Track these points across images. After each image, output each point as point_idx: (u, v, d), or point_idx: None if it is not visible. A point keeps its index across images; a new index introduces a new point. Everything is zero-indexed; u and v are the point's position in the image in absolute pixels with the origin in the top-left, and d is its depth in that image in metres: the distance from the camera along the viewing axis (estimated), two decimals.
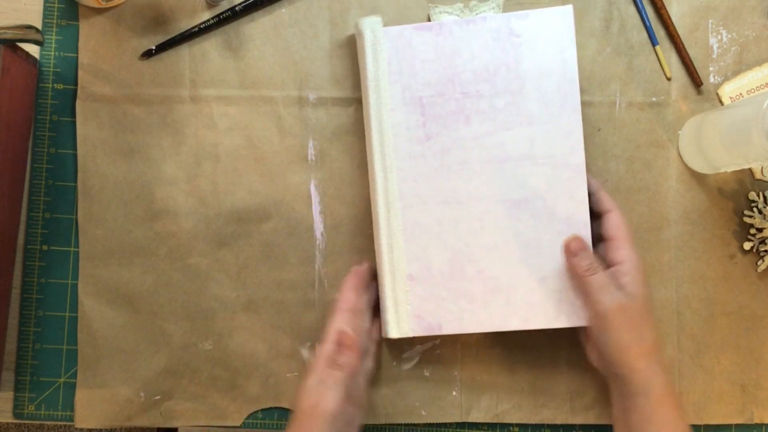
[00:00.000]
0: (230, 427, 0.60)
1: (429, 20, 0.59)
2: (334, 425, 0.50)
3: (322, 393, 0.51)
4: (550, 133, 0.55)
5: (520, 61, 0.55)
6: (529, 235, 0.55)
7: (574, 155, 0.55)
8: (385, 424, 0.60)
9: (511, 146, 0.55)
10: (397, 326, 0.55)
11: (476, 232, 0.55)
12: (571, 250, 0.54)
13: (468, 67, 0.55)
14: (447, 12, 0.58)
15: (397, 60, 0.56)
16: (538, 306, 0.55)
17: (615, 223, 0.54)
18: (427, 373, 0.60)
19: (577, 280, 0.54)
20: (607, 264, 0.53)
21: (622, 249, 0.53)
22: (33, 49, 0.59)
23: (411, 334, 0.55)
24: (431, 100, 0.55)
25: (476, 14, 0.58)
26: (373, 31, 0.56)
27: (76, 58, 0.60)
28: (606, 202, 0.55)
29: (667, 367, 0.54)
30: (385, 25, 0.56)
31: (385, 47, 0.56)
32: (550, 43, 0.55)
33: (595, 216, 0.55)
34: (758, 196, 0.61)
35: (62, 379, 0.60)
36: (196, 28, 0.60)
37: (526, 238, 0.55)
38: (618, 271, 0.52)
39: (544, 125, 0.55)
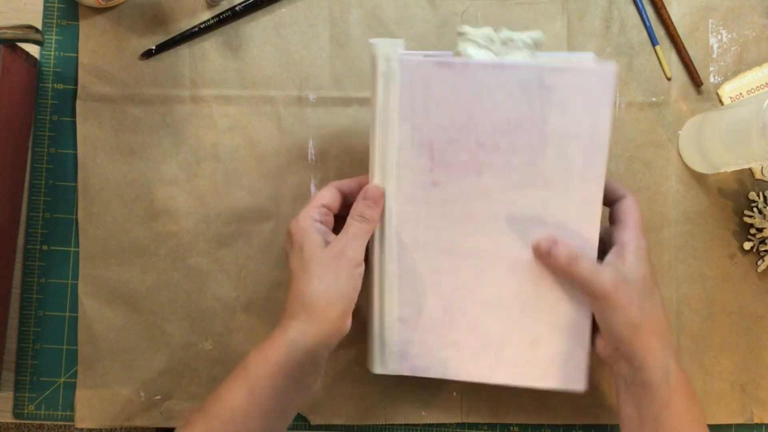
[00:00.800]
0: None
1: (455, 50, 0.51)
2: (358, 273, 0.49)
3: (348, 241, 0.50)
4: (565, 199, 0.50)
5: (546, 119, 0.49)
6: (529, 296, 0.52)
7: (588, 227, 0.50)
8: (385, 424, 0.60)
9: (522, 206, 0.50)
10: (381, 364, 0.54)
11: (474, 287, 0.52)
12: (543, 249, 0.50)
13: (488, 116, 0.49)
14: (475, 42, 0.50)
15: (410, 96, 0.50)
16: (528, 365, 0.52)
17: (628, 207, 0.51)
18: None
19: (565, 275, 0.50)
20: (611, 246, 0.51)
21: (629, 231, 0.50)
22: (33, 49, 0.59)
23: (394, 373, 0.54)
24: (443, 146, 0.50)
25: (506, 45, 0.50)
26: (387, 58, 0.49)
27: (76, 58, 0.60)
28: (620, 188, 0.52)
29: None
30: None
31: (399, 79, 0.49)
32: (584, 103, 0.49)
33: (609, 204, 0.53)
34: (758, 196, 0.61)
35: (62, 379, 0.60)
36: (196, 28, 0.60)
37: (525, 298, 0.52)
38: (621, 249, 0.49)
39: (561, 190, 0.50)
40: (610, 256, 0.50)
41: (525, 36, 0.50)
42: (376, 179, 0.52)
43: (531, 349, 0.52)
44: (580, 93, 0.49)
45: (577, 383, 0.52)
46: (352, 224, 0.50)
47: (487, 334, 0.52)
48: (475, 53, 0.49)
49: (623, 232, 0.50)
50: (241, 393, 0.47)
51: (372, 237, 0.52)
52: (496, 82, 0.49)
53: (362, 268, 0.50)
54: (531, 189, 0.50)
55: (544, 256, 0.50)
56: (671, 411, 0.47)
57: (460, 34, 0.50)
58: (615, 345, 0.49)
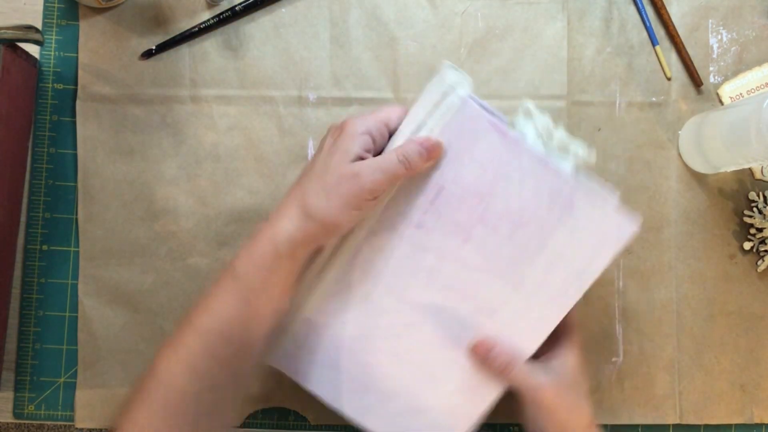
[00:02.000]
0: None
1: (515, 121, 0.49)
2: (363, 204, 0.46)
3: (374, 173, 0.45)
4: (526, 309, 0.49)
5: (555, 232, 0.48)
6: (434, 367, 0.51)
7: (529, 343, 0.50)
8: None
9: (484, 292, 0.50)
10: (271, 354, 0.52)
11: (394, 332, 0.51)
12: (479, 354, 0.50)
13: (507, 198, 0.48)
14: (535, 127, 0.49)
15: (453, 135, 0.47)
16: (401, 428, 0.52)
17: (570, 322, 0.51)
18: None
19: (498, 377, 0.50)
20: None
21: (557, 344, 0.51)
22: (33, 49, 0.59)
23: (275, 365, 0.53)
24: (450, 197, 0.48)
25: (558, 147, 0.49)
26: (453, 86, 0.47)
27: (76, 58, 0.60)
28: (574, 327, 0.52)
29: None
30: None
31: (452, 114, 0.47)
32: (593, 240, 0.48)
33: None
34: (758, 196, 0.61)
35: (62, 379, 0.60)
36: (196, 28, 0.60)
37: (429, 369, 0.51)
38: (548, 357, 0.51)
39: (527, 299, 0.49)
40: (532, 365, 0.50)
41: (580, 151, 0.49)
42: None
43: (411, 414, 0.52)
44: (596, 230, 0.48)
45: None
46: (390, 159, 0.46)
47: (377, 379, 0.51)
48: (531, 137, 0.48)
49: (553, 346, 0.51)
50: (234, 303, 0.45)
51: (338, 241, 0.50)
52: (533, 175, 0.48)
53: (372, 204, 0.46)
54: (502, 282, 0.49)
55: (481, 357, 0.50)
56: None
57: (525, 110, 0.49)
58: None
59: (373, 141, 0.47)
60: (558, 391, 0.49)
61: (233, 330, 0.44)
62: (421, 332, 0.51)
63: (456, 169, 0.48)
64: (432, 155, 0.47)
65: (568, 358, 0.50)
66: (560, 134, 0.49)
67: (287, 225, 0.45)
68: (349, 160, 0.45)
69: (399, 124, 0.48)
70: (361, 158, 0.46)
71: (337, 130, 0.47)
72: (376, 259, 0.50)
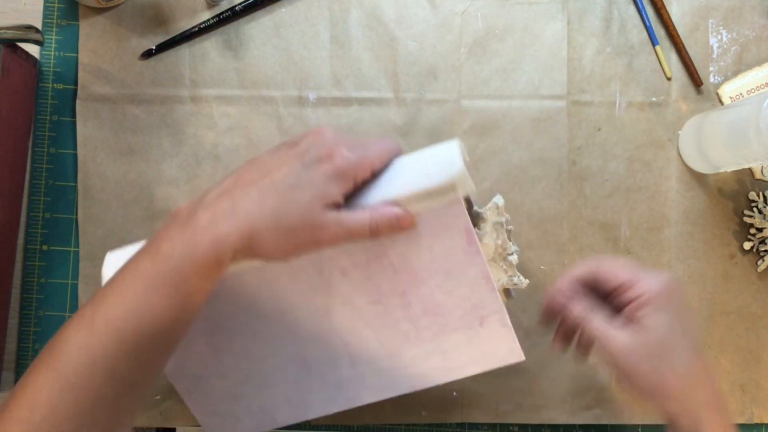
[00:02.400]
0: None
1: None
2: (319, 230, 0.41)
3: (329, 223, 0.41)
4: (385, 369, 0.51)
5: (453, 333, 0.50)
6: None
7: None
8: (385, 424, 0.60)
9: (359, 343, 0.50)
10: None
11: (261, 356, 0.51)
12: (553, 312, 0.47)
13: (435, 290, 0.48)
14: (494, 229, 0.49)
15: (425, 218, 0.44)
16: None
17: (604, 270, 0.46)
18: None
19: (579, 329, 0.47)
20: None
21: (627, 278, 0.45)
22: (33, 49, 0.59)
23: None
24: (386, 266, 0.47)
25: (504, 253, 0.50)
26: (449, 186, 0.43)
27: (76, 58, 0.60)
28: (581, 274, 0.47)
29: (720, 395, 0.45)
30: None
31: (439, 205, 0.44)
32: (482, 349, 0.50)
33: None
34: (758, 196, 0.61)
35: None
36: (196, 28, 0.60)
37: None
38: (633, 307, 0.45)
39: (390, 364, 0.51)
40: (623, 314, 0.45)
41: (516, 279, 0.50)
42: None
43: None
44: (489, 346, 0.50)
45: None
46: (362, 222, 0.42)
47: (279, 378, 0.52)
48: (490, 243, 0.50)
49: (630, 289, 0.45)
50: (169, 308, 0.40)
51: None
52: (471, 284, 0.48)
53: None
54: (380, 346, 0.50)
55: (553, 314, 0.47)
56: None
57: (494, 209, 0.49)
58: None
59: (354, 186, 0.43)
60: (638, 355, 0.43)
61: (163, 335, 0.40)
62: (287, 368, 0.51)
63: (409, 247, 0.46)
64: (401, 229, 0.43)
65: (656, 312, 0.44)
66: (514, 257, 0.50)
67: (233, 238, 0.40)
68: (324, 205, 0.41)
69: (383, 166, 0.44)
70: (335, 204, 0.41)
71: (324, 152, 0.42)
72: (281, 278, 0.48)
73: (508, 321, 0.49)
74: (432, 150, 0.44)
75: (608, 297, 0.47)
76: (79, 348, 0.39)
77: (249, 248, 0.40)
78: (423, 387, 0.52)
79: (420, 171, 0.43)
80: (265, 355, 0.51)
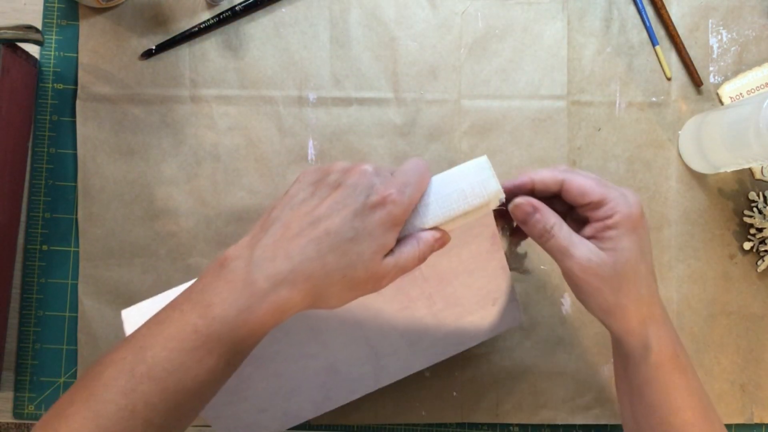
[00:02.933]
0: None
1: None
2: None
3: (388, 271, 0.41)
4: (403, 352, 0.53)
5: (468, 317, 0.53)
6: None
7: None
8: (385, 424, 0.60)
9: (379, 338, 0.51)
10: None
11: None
12: (519, 219, 0.45)
13: (458, 287, 0.49)
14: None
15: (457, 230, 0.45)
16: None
17: (575, 185, 0.44)
18: (427, 374, 0.60)
19: (539, 242, 0.45)
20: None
21: (599, 197, 0.43)
22: (33, 49, 0.59)
23: None
24: (416, 276, 0.47)
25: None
26: (483, 204, 0.43)
27: (76, 58, 0.60)
28: (548, 180, 0.45)
29: (665, 311, 0.46)
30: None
31: (472, 219, 0.44)
32: (488, 320, 0.54)
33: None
34: (758, 196, 0.61)
35: (62, 379, 0.60)
36: (196, 28, 0.60)
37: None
38: (602, 226, 0.43)
39: (409, 349, 0.53)
40: (588, 230, 0.44)
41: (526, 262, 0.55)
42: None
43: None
44: (494, 315, 0.54)
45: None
46: (412, 256, 0.42)
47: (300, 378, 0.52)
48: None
49: (596, 204, 0.44)
50: (216, 368, 0.39)
51: None
52: (491, 277, 0.50)
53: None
54: (399, 335, 0.51)
55: (521, 218, 0.45)
56: (654, 388, 0.44)
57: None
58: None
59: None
60: (600, 273, 0.43)
61: (206, 389, 0.40)
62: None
63: (439, 257, 0.45)
64: (440, 248, 0.43)
65: (622, 235, 0.43)
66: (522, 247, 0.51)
67: (295, 301, 0.39)
68: (383, 254, 0.40)
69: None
70: (391, 250, 0.41)
71: (376, 199, 0.40)
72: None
73: (516, 296, 0.53)
74: (463, 169, 0.44)
75: (572, 209, 0.46)
76: (118, 394, 0.38)
77: (310, 306, 0.40)
78: (435, 362, 0.55)
79: (456, 194, 0.43)
80: (295, 370, 0.51)
